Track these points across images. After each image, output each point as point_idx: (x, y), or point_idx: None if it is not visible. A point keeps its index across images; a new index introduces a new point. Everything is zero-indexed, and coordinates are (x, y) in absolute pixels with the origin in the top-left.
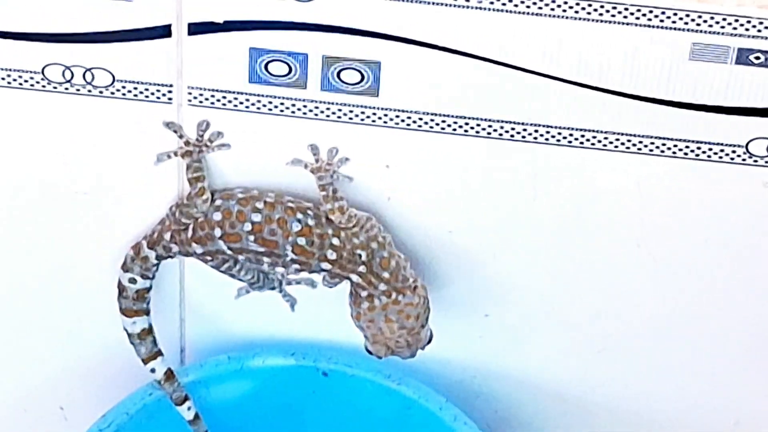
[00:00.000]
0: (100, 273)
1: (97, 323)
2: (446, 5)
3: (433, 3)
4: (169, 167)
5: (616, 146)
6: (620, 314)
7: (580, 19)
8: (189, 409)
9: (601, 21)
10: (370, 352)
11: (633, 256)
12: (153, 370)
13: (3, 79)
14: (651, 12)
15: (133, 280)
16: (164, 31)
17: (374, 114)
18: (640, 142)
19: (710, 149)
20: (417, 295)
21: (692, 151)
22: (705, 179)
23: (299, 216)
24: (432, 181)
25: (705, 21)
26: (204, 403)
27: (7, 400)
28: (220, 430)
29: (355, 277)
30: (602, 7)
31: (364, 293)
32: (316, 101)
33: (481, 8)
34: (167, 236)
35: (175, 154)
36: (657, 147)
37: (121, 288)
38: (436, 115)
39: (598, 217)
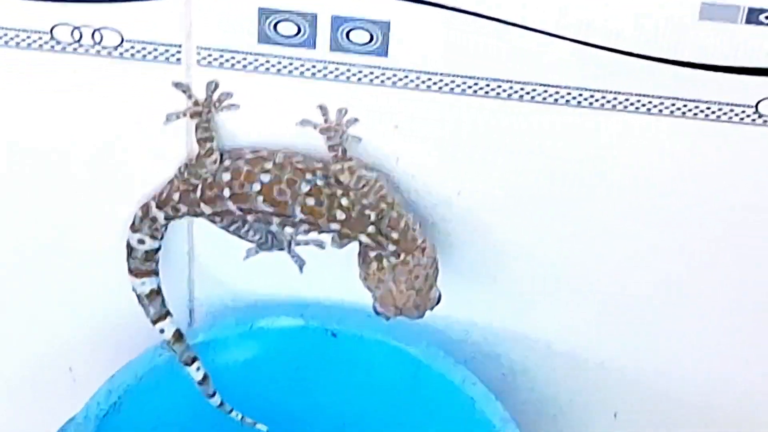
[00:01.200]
0: (109, 234)
1: (106, 284)
2: None
3: None
4: (178, 127)
5: (625, 107)
6: (630, 277)
7: None
8: (198, 369)
9: None
10: (378, 313)
11: (642, 217)
12: (162, 331)
13: (12, 39)
14: None
15: (141, 241)
16: None
17: (383, 74)
18: (650, 102)
19: (720, 109)
20: (426, 255)
21: (702, 111)
22: (714, 139)
23: (308, 176)
24: (441, 142)
25: None
26: (212, 364)
27: (15, 362)
28: (228, 390)
29: (363, 238)
30: None
31: (372, 254)
32: (325, 62)
33: None
34: (176, 197)
35: (184, 114)
36: (666, 107)
37: (130, 249)
38: (445, 75)
39: (608, 178)
